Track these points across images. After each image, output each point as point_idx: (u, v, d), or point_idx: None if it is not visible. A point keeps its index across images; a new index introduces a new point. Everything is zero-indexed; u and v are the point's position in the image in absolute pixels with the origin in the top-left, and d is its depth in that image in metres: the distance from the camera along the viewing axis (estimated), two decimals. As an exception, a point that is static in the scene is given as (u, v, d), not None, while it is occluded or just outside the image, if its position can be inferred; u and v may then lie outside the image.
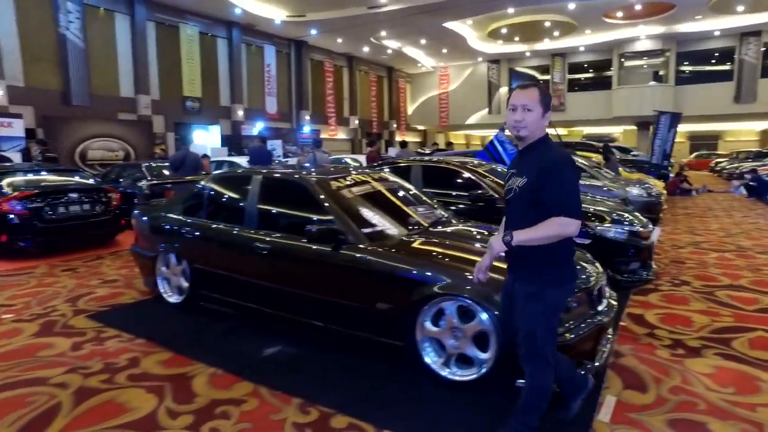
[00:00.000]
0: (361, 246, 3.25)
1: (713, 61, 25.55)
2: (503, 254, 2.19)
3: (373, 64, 29.55)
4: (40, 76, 14.88)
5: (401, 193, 4.12)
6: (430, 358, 3.03)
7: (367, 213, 3.63)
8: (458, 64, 31.26)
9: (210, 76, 19.99)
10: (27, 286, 5.27)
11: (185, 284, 4.35)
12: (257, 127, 21.69)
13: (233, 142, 20.33)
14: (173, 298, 4.47)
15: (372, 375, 3.11)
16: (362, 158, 15.77)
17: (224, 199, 4.41)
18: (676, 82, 25.19)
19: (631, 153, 17.78)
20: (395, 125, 32.20)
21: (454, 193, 5.39)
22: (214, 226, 4.14)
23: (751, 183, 13.76)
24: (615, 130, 32.23)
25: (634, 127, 27.72)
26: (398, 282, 3.08)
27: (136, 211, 4.94)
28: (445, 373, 2.98)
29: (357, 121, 28.50)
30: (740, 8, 20.99)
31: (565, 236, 2.04)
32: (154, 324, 4.07)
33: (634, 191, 8.88)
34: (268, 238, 3.69)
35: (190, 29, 18.86)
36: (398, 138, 30.65)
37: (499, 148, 7.97)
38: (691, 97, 24.30)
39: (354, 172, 4.12)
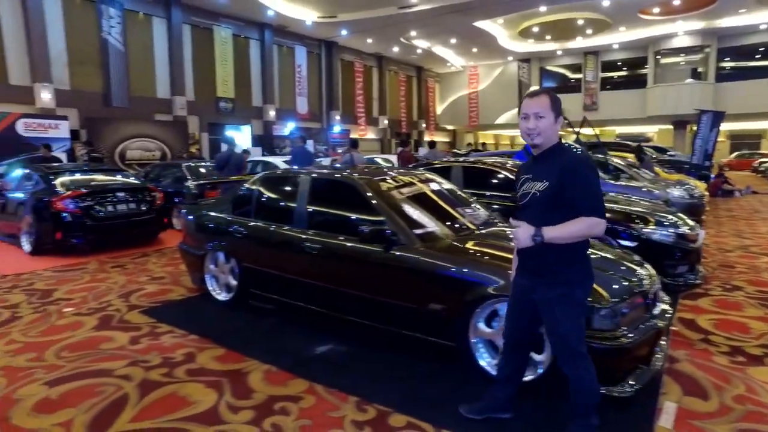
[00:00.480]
0: (413, 247, 3.27)
1: (758, 56, 24.57)
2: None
3: (402, 64, 29.56)
4: (84, 79, 15.44)
5: (447, 194, 4.13)
6: (484, 359, 3.03)
7: (417, 214, 3.64)
8: (488, 64, 30.98)
9: (242, 77, 20.35)
10: (81, 281, 5.49)
11: (233, 282, 4.46)
12: (288, 127, 21.97)
13: (265, 142, 20.67)
14: (221, 296, 4.58)
15: (423, 374, 3.13)
16: (393, 158, 15.81)
17: (273, 199, 4.49)
18: (716, 80, 24.37)
19: (668, 153, 17.31)
20: (424, 125, 32.13)
21: (496, 194, 5.37)
22: (263, 225, 4.22)
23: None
24: (649, 130, 31.39)
25: (670, 127, 26.96)
26: (451, 283, 3.09)
27: (184, 211, 5.09)
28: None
29: (386, 121, 28.56)
30: (787, 1, 20.13)
31: (593, 236, 2.12)
32: (205, 320, 4.18)
33: (676, 192, 8.63)
34: (318, 238, 3.75)
35: (224, 31, 19.25)
36: (427, 138, 30.61)
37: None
38: (732, 94, 23.45)
39: (400, 173, 4.14)
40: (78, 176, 7.27)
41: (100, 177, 7.47)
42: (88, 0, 15.35)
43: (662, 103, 24.72)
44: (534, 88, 29.26)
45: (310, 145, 20.47)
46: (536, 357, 2.88)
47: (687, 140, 25.65)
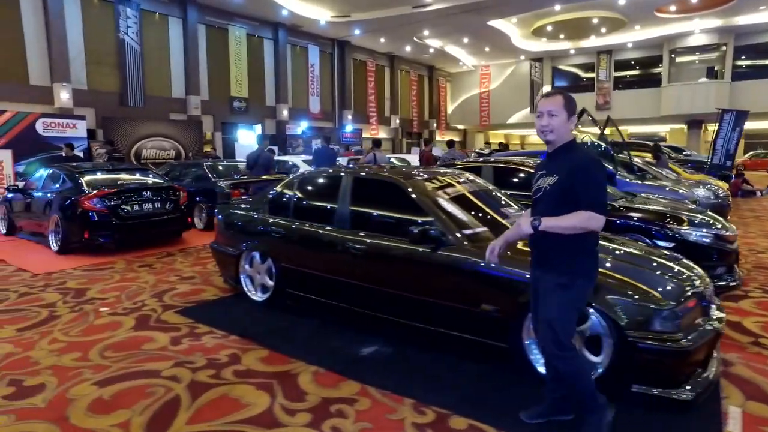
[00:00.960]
0: (463, 247, 3.22)
1: (765, 54, 24.29)
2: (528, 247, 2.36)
3: (414, 64, 29.50)
4: (101, 79, 15.53)
5: (490, 195, 4.07)
6: (539, 361, 2.98)
7: (464, 214, 3.60)
8: (500, 63, 30.84)
9: (256, 76, 20.39)
10: (112, 280, 5.49)
11: (270, 282, 4.43)
12: (301, 127, 21.99)
13: (279, 141, 20.67)
14: (257, 296, 4.56)
15: (473, 374, 3.09)
16: (410, 158, 15.76)
17: (313, 199, 4.46)
18: (732, 78, 24.10)
19: (683, 153, 17.12)
20: (435, 125, 32.05)
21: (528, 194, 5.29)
22: (303, 225, 4.19)
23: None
24: (661, 129, 31.07)
25: (683, 126, 26.70)
26: (504, 284, 3.04)
27: (217, 210, 5.07)
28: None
29: (398, 121, 28.51)
30: (808, -2, 19.88)
31: (589, 229, 2.16)
32: (243, 321, 4.15)
33: (701, 193, 8.52)
34: (363, 239, 3.70)
35: (238, 31, 19.28)
36: (439, 137, 30.56)
37: None
38: (748, 93, 23.18)
39: (440, 174, 4.09)
40: (104, 175, 7.28)
41: (125, 176, 7.48)
42: (106, 0, 15.43)
43: (677, 102, 24.50)
44: (547, 88, 29.28)
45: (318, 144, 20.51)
46: (593, 358, 2.83)
47: (701, 140, 25.43)
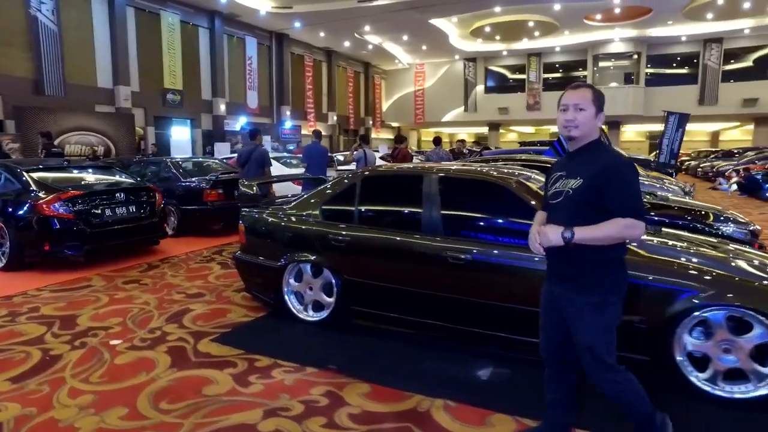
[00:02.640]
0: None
1: (676, 64, 26.85)
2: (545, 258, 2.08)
3: (351, 60, 28.97)
4: (8, 62, 13.39)
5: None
6: (692, 374, 2.72)
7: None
8: (435, 62, 31.22)
9: (191, 68, 18.80)
10: (100, 303, 4.49)
11: (327, 299, 3.81)
12: (240, 122, 20.65)
13: (216, 138, 19.21)
14: (308, 315, 3.90)
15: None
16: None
17: (386, 203, 3.88)
18: (646, 84, 26.28)
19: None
20: (371, 122, 31.74)
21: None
22: (380, 233, 3.60)
23: (743, 181, 14.43)
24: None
25: (603, 127, 28.68)
26: (650, 293, 2.74)
27: (243, 216, 4.30)
28: (716, 390, 2.68)
29: (335, 118, 27.82)
30: (710, 15, 22.11)
31: (628, 239, 1.96)
32: (309, 347, 3.50)
33: (675, 187, 8.93)
34: (470, 248, 3.22)
35: (171, 17, 17.62)
36: (374, 134, 30.32)
37: (566, 145, 7.77)
38: (660, 97, 25.37)
39: (524, 173, 3.72)
40: (59, 174, 6.07)
41: (86, 174, 6.30)
42: (15, -29, 13.30)
43: (600, 105, 26.18)
44: (480, 87, 30.18)
45: (267, 142, 19.40)
46: (762, 370, 2.62)
47: (619, 140, 27.52)
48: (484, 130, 32.01)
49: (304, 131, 24.62)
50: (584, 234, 1.89)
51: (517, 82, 29.99)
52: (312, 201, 4.03)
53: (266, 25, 21.64)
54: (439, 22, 23.10)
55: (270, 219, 4.13)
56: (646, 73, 26.42)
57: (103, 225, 5.71)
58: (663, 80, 26.63)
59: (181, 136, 18.26)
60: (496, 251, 3.16)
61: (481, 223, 3.46)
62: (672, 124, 12.90)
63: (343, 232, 3.72)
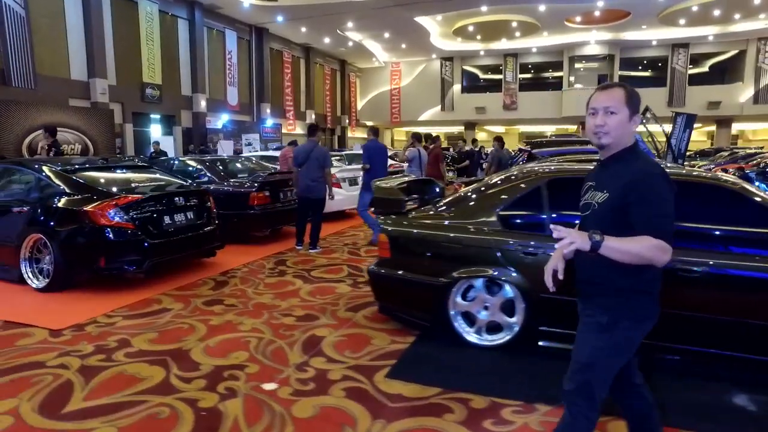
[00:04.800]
0: None
1: (646, 67, 27.87)
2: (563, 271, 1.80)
3: (328, 57, 28.12)
4: (-29, 48, 11.78)
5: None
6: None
7: None
8: (411, 60, 30.87)
9: (170, 61, 17.45)
10: (200, 332, 3.73)
11: (508, 320, 3.27)
12: (222, 120, 19.44)
13: (197, 136, 17.95)
14: (483, 339, 3.34)
15: None
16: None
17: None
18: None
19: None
20: (347, 121, 31.01)
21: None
22: None
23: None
24: (551, 130, 33.87)
25: (574, 126, 29.31)
26: None
27: (387, 223, 3.66)
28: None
29: (313, 116, 26.90)
30: (682, 21, 22.98)
31: (654, 263, 1.63)
32: (509, 377, 3.00)
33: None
34: (703, 260, 2.78)
35: (150, 6, 16.25)
36: (350, 133, 29.63)
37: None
38: (633, 99, 26.15)
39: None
40: (104, 174, 5.16)
41: (133, 175, 5.39)
42: (-21, -54, 11.73)
43: (576, 105, 26.74)
44: (457, 87, 30.20)
45: (255, 140, 18.41)
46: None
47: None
48: (461, 129, 32.03)
49: (284, 130, 23.62)
50: (615, 244, 1.61)
51: (494, 82, 30.12)
52: (481, 207, 3.46)
53: (247, 19, 20.52)
54: (423, 20, 22.74)
55: (429, 230, 3.52)
56: (619, 76, 27.18)
57: (163, 235, 4.87)
58: (635, 82, 27.45)
59: (157, 133, 16.92)
60: (735, 262, 2.75)
61: (715, 232, 3.02)
62: (679, 124, 13.06)
63: (534, 243, 3.18)
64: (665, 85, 26.98)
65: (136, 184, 5.12)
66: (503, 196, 3.42)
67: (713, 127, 28.84)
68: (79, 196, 4.65)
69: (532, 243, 3.21)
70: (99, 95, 14.59)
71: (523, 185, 3.42)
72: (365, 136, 31.05)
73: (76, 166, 5.09)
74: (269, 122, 22.34)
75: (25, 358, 3.25)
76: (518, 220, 3.40)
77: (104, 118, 14.45)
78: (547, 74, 29.05)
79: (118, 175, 5.32)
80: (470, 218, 3.43)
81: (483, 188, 3.65)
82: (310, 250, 6.49)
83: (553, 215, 3.29)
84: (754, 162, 16.22)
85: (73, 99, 14.12)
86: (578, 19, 23.43)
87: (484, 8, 20.94)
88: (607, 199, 1.75)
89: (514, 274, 3.21)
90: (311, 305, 4.36)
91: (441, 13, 22.04)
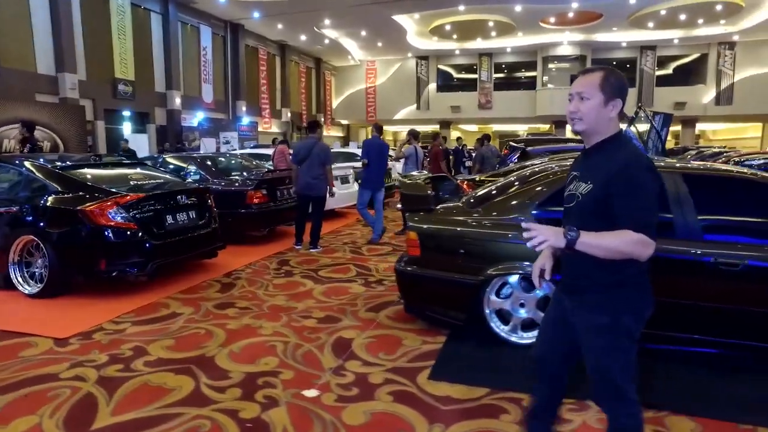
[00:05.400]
0: None
1: (617, 68, 28.59)
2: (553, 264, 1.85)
3: (303, 55, 27.73)
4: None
5: None
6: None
7: None
8: (386, 59, 30.79)
9: (143, 56, 16.82)
10: (219, 338, 3.52)
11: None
12: (198, 118, 18.88)
13: (171, 134, 17.38)
14: (520, 337, 3.29)
15: None
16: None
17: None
18: (591, 86, 27.68)
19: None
20: (323, 119, 30.67)
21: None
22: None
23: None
24: (523, 128, 34.38)
25: (547, 126, 29.89)
26: None
27: (415, 220, 3.55)
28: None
29: (289, 114, 26.50)
30: (651, 24, 23.70)
31: (636, 258, 1.59)
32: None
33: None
34: (745, 253, 2.79)
35: (121, -3, 15.58)
36: (325, 132, 29.33)
37: None
38: (603, 100, 26.82)
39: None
40: (98, 171, 4.85)
41: (128, 172, 5.09)
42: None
43: (549, 105, 27.25)
44: (432, 86, 30.35)
45: (234, 138, 17.99)
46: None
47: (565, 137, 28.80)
48: (436, 127, 32.15)
49: (259, 128, 23.16)
50: (590, 240, 1.57)
51: (469, 82, 30.36)
52: (515, 203, 3.38)
53: (222, 14, 19.99)
54: (400, 18, 22.69)
55: (461, 226, 3.42)
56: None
57: (166, 236, 4.61)
58: (606, 83, 28.21)
59: (130, 131, 16.28)
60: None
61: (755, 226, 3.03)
62: (657, 123, 13.42)
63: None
64: (634, 85, 27.74)
65: (134, 182, 4.84)
66: (539, 190, 3.36)
67: (678, 127, 29.90)
68: (76, 195, 4.35)
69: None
70: (68, 90, 13.91)
71: (560, 180, 3.37)
72: (340, 134, 30.80)
73: (69, 163, 4.77)
74: (245, 120, 21.85)
75: (35, 370, 2.98)
76: (552, 216, 3.34)
77: (75, 115, 13.79)
78: (521, 74, 29.47)
79: (114, 172, 5.02)
80: (504, 214, 3.35)
81: (516, 184, 3.58)
82: (311, 250, 6.31)
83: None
84: (722, 160, 16.90)
85: (40, 94, 13.42)
86: (552, 20, 23.84)
87: (461, 7, 21.03)
88: (590, 190, 1.69)
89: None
90: (328, 306, 4.21)
91: (419, 12, 22.05)
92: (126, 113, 16.33)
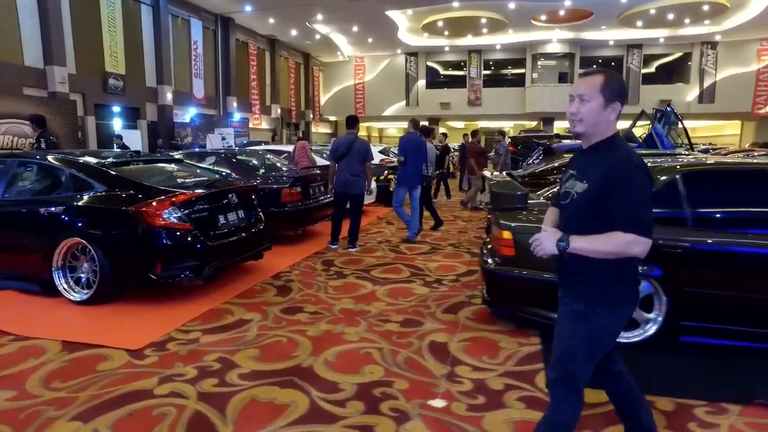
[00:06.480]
0: None
1: (599, 66, 29.00)
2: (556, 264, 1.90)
3: (292, 50, 27.26)
4: None
5: None
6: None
7: None
8: (375, 55, 30.55)
9: (134, 50, 16.21)
10: (304, 349, 3.30)
11: (646, 315, 3.19)
12: (190, 113, 18.33)
13: (164, 131, 16.82)
14: (620, 336, 3.17)
15: None
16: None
17: (724, 202, 3.26)
18: (579, 84, 28.02)
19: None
20: (311, 116, 30.27)
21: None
22: (724, 237, 3.06)
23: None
24: (508, 125, 34.61)
25: (535, 123, 30.16)
26: None
27: (514, 220, 3.41)
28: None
29: (279, 110, 26.01)
30: (639, 23, 24.08)
31: (629, 256, 1.68)
32: (679, 377, 2.83)
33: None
34: None
35: (111, -12, 14.96)
36: (314, 128, 28.90)
37: (657, 141, 7.66)
38: (591, 97, 27.18)
39: None
40: (141, 169, 4.54)
41: (171, 169, 4.79)
42: None
43: (539, 101, 27.50)
44: (422, 82, 30.21)
45: (230, 135, 17.51)
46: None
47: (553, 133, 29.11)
48: (426, 124, 32.09)
49: (250, 124, 22.68)
50: (581, 244, 1.69)
51: (459, 78, 30.36)
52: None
53: (214, 7, 19.43)
54: (393, 14, 22.49)
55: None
56: (579, 74, 28.14)
57: (220, 237, 4.34)
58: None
59: (120, 127, 15.68)
60: None
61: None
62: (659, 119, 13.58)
63: (675, 237, 3.06)
64: (620, 83, 28.23)
65: (181, 180, 4.55)
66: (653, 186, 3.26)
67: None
68: (126, 194, 4.05)
69: (675, 237, 3.08)
70: (58, 84, 13.28)
71: (658, 178, 3.27)
72: (329, 131, 30.40)
73: (113, 160, 4.45)
74: (237, 116, 21.35)
75: (123, 385, 2.72)
76: (656, 215, 3.25)
77: (65, 109, 13.17)
78: (510, 71, 29.62)
79: (157, 169, 4.71)
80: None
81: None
82: (349, 249, 6.10)
83: (697, 210, 3.17)
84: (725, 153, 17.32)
85: (27, 88, 12.78)
86: (543, 17, 23.98)
87: (456, 4, 20.97)
88: (585, 190, 1.74)
89: (654, 269, 3.07)
90: (401, 309, 4.02)
91: (413, 8, 21.88)
92: (116, 108, 15.71)
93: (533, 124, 30.64)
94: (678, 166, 3.32)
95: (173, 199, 4.03)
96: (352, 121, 6.14)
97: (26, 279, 4.26)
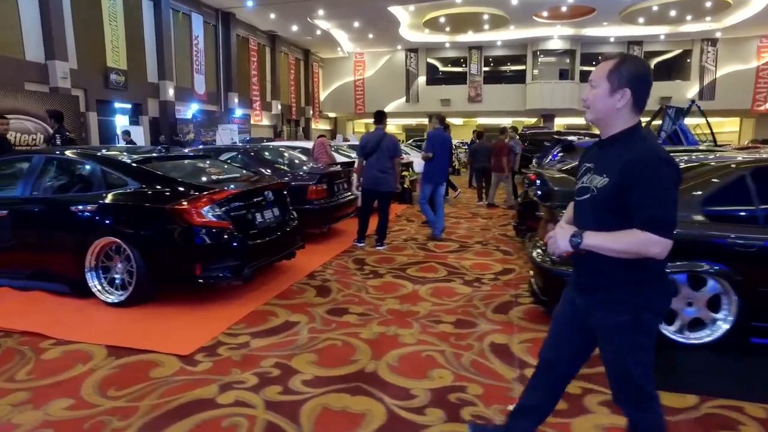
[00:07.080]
0: None
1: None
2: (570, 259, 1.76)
3: (292, 46, 27.00)
4: None
5: None
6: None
7: None
8: (375, 51, 30.34)
9: (135, 45, 15.91)
10: (362, 353, 3.16)
11: (715, 316, 3.10)
12: (192, 110, 18.07)
13: (165, 127, 16.57)
14: (687, 337, 3.14)
15: None
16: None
17: None
18: (580, 80, 27.98)
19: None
20: (311, 112, 30.04)
21: None
22: None
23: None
24: (509, 122, 34.56)
25: (535, 119, 30.11)
26: None
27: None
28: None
29: (279, 107, 25.77)
30: (641, 20, 24.07)
31: (646, 257, 1.53)
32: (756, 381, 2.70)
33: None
34: None
35: (113, -19, 14.66)
36: (313, 125, 28.70)
37: (682, 137, 7.57)
38: (591, 93, 27.21)
39: None
40: (172, 166, 4.37)
41: (203, 166, 4.63)
42: None
43: (540, 98, 27.45)
44: (422, 79, 30.09)
45: (234, 130, 17.29)
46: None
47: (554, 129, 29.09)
48: (424, 120, 31.98)
49: (251, 120, 22.44)
50: (594, 241, 1.57)
51: (459, 75, 30.23)
52: (681, 198, 3.15)
53: (213, 2, 19.16)
54: (396, 10, 22.31)
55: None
56: (580, 71, 28.13)
57: (258, 235, 4.19)
58: (594, 77, 28.55)
59: (123, 123, 15.43)
60: None
61: None
62: (670, 116, 13.55)
63: (747, 236, 2.96)
64: (621, 80, 28.23)
65: (216, 176, 4.39)
66: (704, 188, 3.14)
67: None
68: (162, 191, 3.89)
69: (745, 235, 2.98)
70: (60, 79, 13.00)
71: (726, 175, 3.17)
72: (328, 127, 30.29)
73: (145, 155, 4.28)
74: (238, 112, 21.09)
75: (182, 394, 2.57)
76: (725, 212, 3.13)
77: (68, 105, 12.87)
78: (511, 67, 29.54)
79: (190, 165, 4.55)
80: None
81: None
82: (377, 247, 5.97)
83: (763, 206, 3.07)
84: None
85: (29, 83, 12.49)
86: (545, 13, 23.90)
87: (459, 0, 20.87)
88: (606, 184, 1.61)
89: (724, 268, 2.97)
90: (450, 309, 3.90)
91: (415, 4, 21.71)
92: (118, 104, 15.44)
93: (533, 120, 30.61)
94: (748, 163, 3.21)
95: (212, 196, 3.88)
96: (381, 117, 5.99)
97: (55, 279, 4.09)
